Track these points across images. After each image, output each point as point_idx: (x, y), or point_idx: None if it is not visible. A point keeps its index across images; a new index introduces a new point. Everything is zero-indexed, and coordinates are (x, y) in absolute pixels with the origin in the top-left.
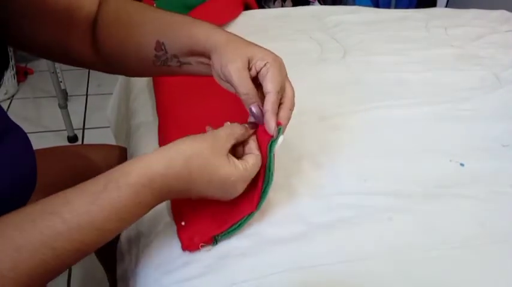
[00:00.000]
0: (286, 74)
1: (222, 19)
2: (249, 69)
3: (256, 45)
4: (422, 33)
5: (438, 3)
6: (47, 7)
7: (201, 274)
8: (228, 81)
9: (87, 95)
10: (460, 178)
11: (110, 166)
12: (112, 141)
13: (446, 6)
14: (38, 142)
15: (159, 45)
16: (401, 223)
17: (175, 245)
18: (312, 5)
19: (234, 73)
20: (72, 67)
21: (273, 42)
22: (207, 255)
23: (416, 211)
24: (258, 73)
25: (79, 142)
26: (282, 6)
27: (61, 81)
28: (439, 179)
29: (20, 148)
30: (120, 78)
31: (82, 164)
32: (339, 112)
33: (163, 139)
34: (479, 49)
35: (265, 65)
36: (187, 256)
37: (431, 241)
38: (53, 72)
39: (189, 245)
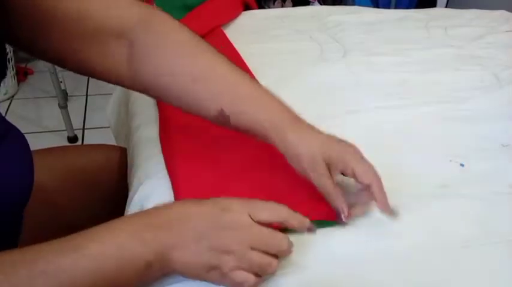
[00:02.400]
0: (362, 157)
1: (222, 19)
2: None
3: (327, 137)
4: (422, 34)
5: (438, 3)
6: (57, 13)
7: None
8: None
9: (87, 95)
10: (460, 178)
11: (110, 166)
12: (112, 142)
13: (446, 6)
14: (38, 142)
15: (223, 115)
16: (401, 223)
17: None
18: (312, 5)
19: (316, 181)
20: None
21: (273, 43)
22: None
23: (417, 211)
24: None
25: (79, 142)
26: (282, 6)
27: (61, 81)
28: (439, 179)
29: (17, 149)
30: None
31: (82, 164)
32: (338, 112)
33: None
34: (479, 49)
35: (347, 168)
36: None
37: (432, 241)
38: (52, 73)
39: None
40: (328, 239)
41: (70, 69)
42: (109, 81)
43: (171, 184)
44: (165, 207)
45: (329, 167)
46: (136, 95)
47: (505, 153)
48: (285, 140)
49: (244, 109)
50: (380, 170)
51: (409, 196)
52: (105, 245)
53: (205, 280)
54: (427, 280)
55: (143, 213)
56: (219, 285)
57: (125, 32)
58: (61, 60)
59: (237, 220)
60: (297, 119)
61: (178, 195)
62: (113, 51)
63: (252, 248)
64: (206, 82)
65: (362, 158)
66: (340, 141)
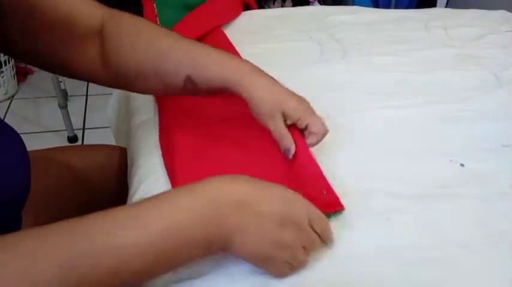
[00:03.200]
0: (313, 112)
1: (222, 19)
2: (284, 120)
3: (284, 90)
4: (422, 34)
5: (438, 3)
6: (46, 17)
7: (201, 274)
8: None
9: (87, 95)
10: (460, 178)
11: (110, 166)
12: (112, 142)
13: (446, 6)
14: (38, 142)
15: (189, 80)
16: (401, 223)
17: None
18: (312, 5)
19: (272, 126)
20: None
21: (273, 43)
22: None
23: (416, 211)
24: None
25: (79, 142)
26: (282, 6)
27: (61, 81)
28: (439, 179)
29: (12, 150)
30: None
31: (82, 164)
32: (338, 112)
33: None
34: (479, 49)
35: (299, 119)
36: None
37: (431, 241)
38: None
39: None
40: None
41: (51, 71)
42: (87, 79)
43: (170, 183)
44: (231, 183)
45: (284, 116)
46: (136, 95)
47: (505, 153)
48: (248, 88)
49: (209, 69)
50: (379, 170)
51: (409, 196)
52: (168, 222)
53: (254, 265)
54: (427, 280)
55: (202, 191)
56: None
57: (100, 30)
58: (40, 61)
59: (300, 221)
60: (258, 70)
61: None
62: (91, 50)
63: (304, 249)
64: (170, 55)
65: (314, 113)
66: (296, 96)
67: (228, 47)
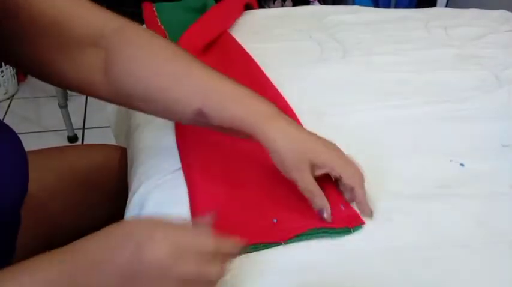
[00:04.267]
0: (346, 158)
1: (228, 23)
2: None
3: (310, 136)
4: (422, 33)
5: (438, 3)
6: (34, 22)
7: None
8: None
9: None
10: (460, 178)
11: (110, 166)
12: (112, 142)
13: (446, 6)
14: (38, 142)
15: (201, 114)
16: (401, 223)
17: None
18: (312, 5)
19: (299, 182)
20: None
21: (273, 42)
22: None
23: (416, 211)
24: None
25: (79, 142)
26: (282, 6)
27: None
28: (439, 179)
29: (10, 148)
30: None
31: (82, 164)
32: (338, 112)
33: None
34: (479, 49)
35: (332, 170)
36: None
37: (431, 241)
38: None
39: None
40: (328, 239)
41: (46, 81)
42: (84, 92)
43: (188, 194)
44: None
45: (312, 167)
46: None
47: (505, 153)
48: (267, 136)
49: (223, 106)
50: (380, 170)
51: (409, 196)
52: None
53: None
54: (427, 280)
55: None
56: None
57: (100, 40)
58: (35, 70)
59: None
60: (278, 114)
61: (195, 206)
62: (88, 61)
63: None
64: (182, 82)
65: (347, 160)
66: (323, 141)
67: (238, 52)
